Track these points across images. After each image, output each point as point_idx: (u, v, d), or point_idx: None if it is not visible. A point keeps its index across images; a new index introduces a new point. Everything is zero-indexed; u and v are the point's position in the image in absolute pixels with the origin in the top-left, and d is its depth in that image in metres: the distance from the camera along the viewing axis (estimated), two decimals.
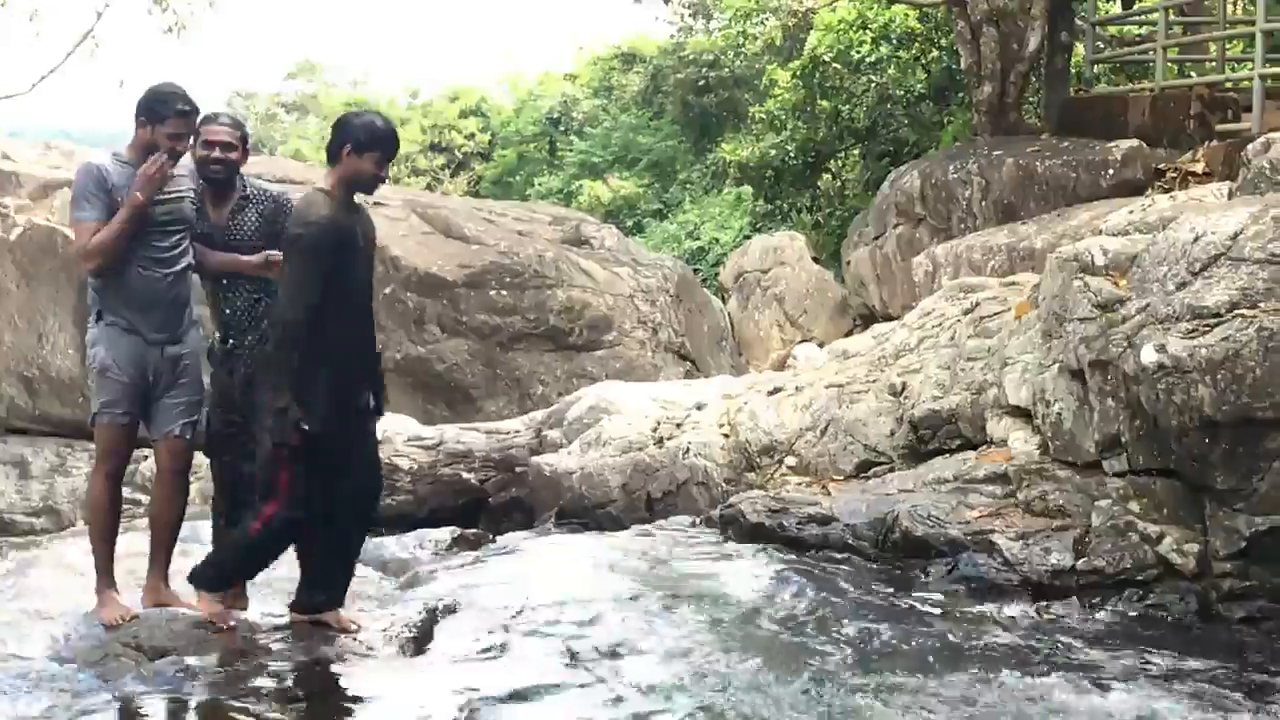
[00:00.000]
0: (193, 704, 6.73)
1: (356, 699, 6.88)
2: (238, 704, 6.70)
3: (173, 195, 7.89)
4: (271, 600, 8.44)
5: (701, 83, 37.51)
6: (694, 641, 7.74)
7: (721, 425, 12.84)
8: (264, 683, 7.02)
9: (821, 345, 19.22)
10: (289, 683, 7.07)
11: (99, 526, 8.12)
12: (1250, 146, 12.39)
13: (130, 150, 7.88)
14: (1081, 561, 8.83)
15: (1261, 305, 8.54)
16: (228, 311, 8.15)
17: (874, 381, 12.07)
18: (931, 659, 7.58)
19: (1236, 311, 8.57)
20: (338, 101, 54.14)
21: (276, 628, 7.92)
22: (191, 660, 7.23)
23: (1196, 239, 9.13)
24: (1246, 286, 8.66)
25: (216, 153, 8.06)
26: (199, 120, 8.01)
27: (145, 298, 7.86)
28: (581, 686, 7.04)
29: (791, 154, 28.44)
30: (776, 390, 13.00)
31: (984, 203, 19.16)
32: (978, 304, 12.19)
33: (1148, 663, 7.62)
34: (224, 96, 55.34)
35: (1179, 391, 8.56)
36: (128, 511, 14.99)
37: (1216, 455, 8.51)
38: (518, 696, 6.88)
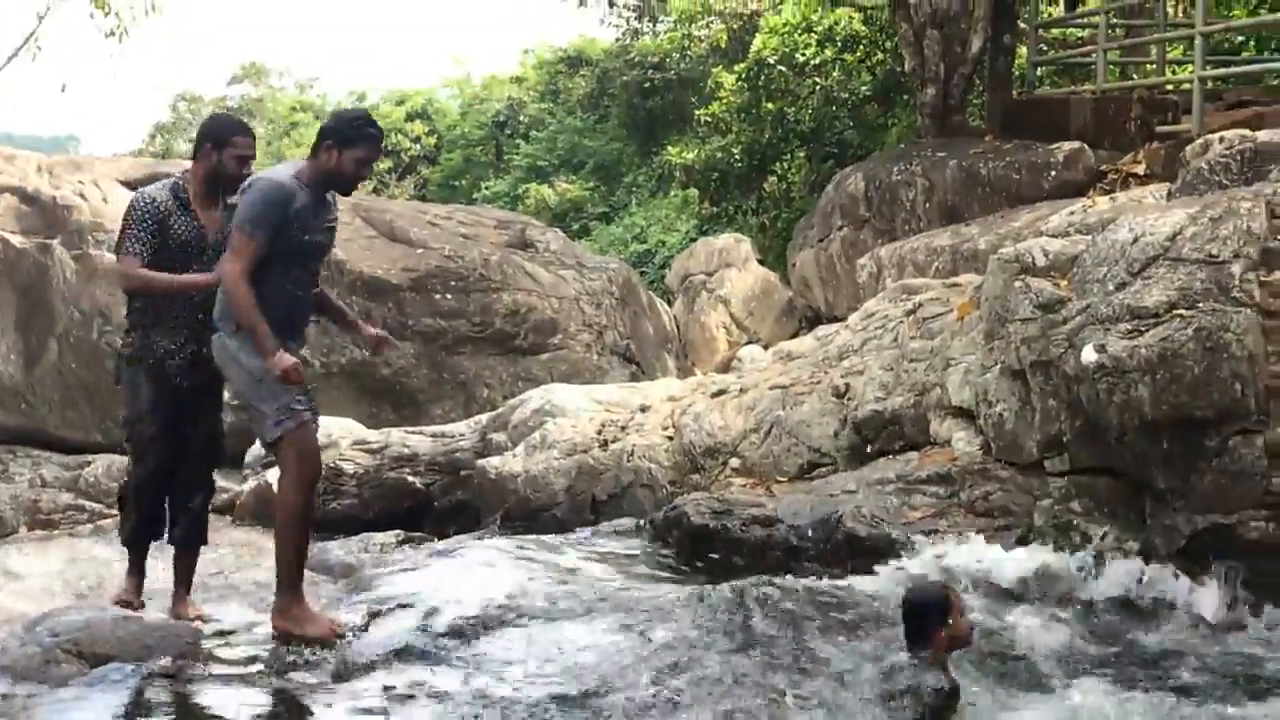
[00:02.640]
0: (133, 709, 6.70)
1: (301, 701, 6.86)
2: (181, 708, 6.67)
3: (329, 224, 7.97)
4: (225, 604, 8.44)
5: (647, 85, 37.53)
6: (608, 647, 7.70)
7: (666, 428, 12.86)
8: (209, 689, 7.00)
9: (767, 347, 19.26)
10: (235, 687, 7.04)
11: (296, 543, 7.84)
12: (1189, 148, 12.52)
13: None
14: None
15: (1200, 305, 8.61)
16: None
17: (818, 383, 12.11)
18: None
19: (1175, 312, 8.63)
20: (284, 105, 54.04)
21: (222, 632, 7.91)
22: (135, 666, 7.19)
23: (1135, 240, 9.20)
24: (1185, 287, 8.73)
25: (249, 168, 8.25)
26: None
27: (292, 314, 7.86)
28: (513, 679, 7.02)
29: (737, 156, 28.49)
30: (720, 392, 13.03)
31: (928, 204, 19.27)
32: (920, 305, 12.24)
33: (1086, 655, 7.68)
34: (168, 101, 55.06)
35: (1119, 391, 8.62)
36: (69, 517, 15.04)
37: (1156, 454, 8.58)
38: (442, 697, 6.87)
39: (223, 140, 8.23)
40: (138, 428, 8.34)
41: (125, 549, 8.79)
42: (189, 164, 8.60)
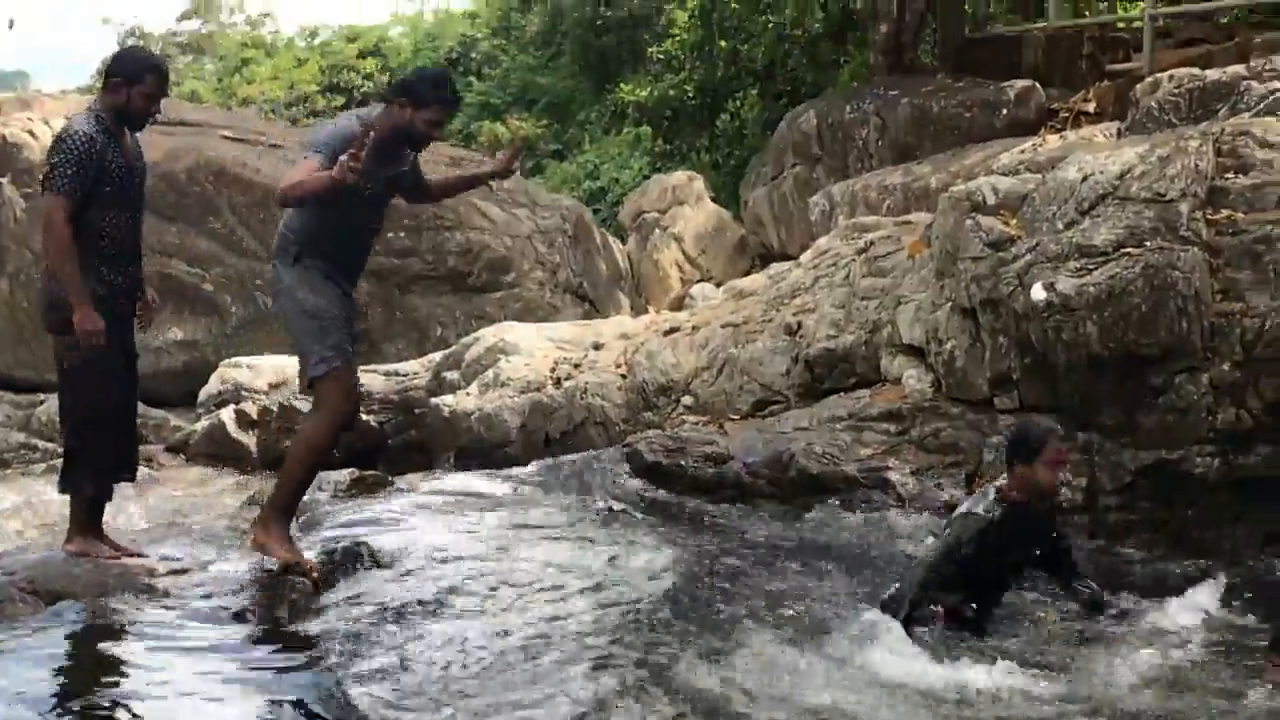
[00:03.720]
0: (90, 646, 6.72)
1: (256, 639, 6.89)
2: (138, 645, 6.70)
3: (391, 176, 8.06)
4: (178, 544, 8.46)
5: (600, 22, 37.34)
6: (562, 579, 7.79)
7: (619, 366, 12.91)
8: (166, 621, 7.02)
9: (719, 285, 19.30)
10: (192, 623, 7.06)
11: (307, 474, 7.96)
12: (1139, 86, 12.60)
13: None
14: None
15: (1147, 244, 8.70)
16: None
17: (769, 321, 12.15)
18: None
19: (1123, 250, 8.72)
20: (234, 41, 53.54)
21: (176, 571, 7.93)
22: (89, 604, 7.21)
23: (1085, 179, 9.27)
24: (1133, 225, 8.81)
25: (157, 108, 8.17)
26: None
27: (347, 258, 8.01)
28: (464, 617, 7.07)
29: (690, 94, 28.41)
30: (673, 330, 13.07)
31: (880, 143, 19.31)
32: (872, 243, 12.29)
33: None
34: (117, 37, 54.47)
35: (1067, 329, 8.71)
36: (22, 456, 15.01)
37: (1103, 392, 8.68)
38: (403, 623, 6.93)
39: (134, 77, 8.05)
40: (98, 365, 8.15)
41: (82, 499, 8.27)
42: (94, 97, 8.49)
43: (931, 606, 7.07)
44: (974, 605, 7.08)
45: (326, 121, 7.79)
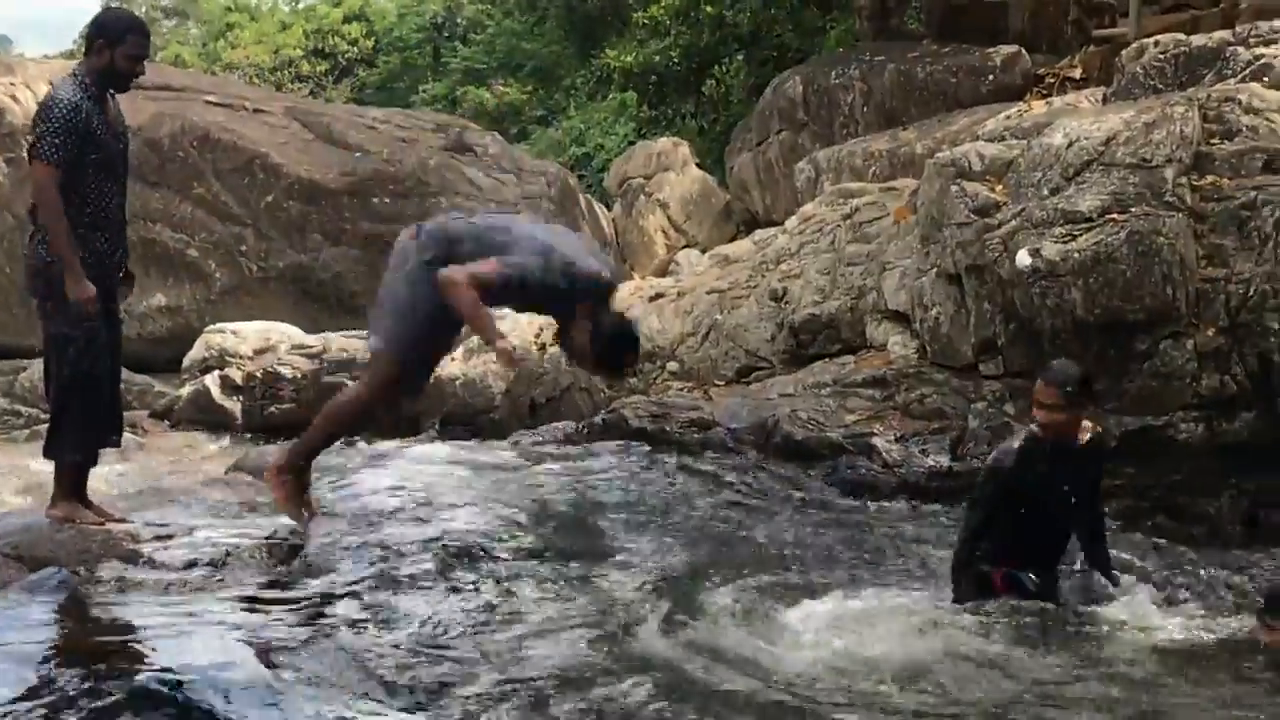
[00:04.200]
0: (73, 612, 6.71)
1: (238, 604, 6.88)
2: (124, 610, 6.69)
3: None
4: (163, 510, 8.44)
5: None
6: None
7: None
8: (150, 586, 7.02)
9: (705, 251, 19.28)
10: (175, 588, 7.06)
11: (337, 430, 8.14)
12: (1125, 52, 12.57)
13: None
14: (959, 463, 8.99)
15: (1133, 209, 8.70)
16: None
17: (755, 287, 12.15)
18: None
19: (1108, 216, 8.73)
20: (218, 6, 53.35)
21: (161, 537, 7.91)
22: (75, 570, 7.19)
23: (1070, 144, 9.27)
24: (1118, 191, 8.82)
25: (141, 69, 8.10)
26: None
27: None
28: (448, 589, 7.08)
29: (675, 59, 28.31)
30: (659, 296, 13.06)
31: (866, 109, 19.27)
32: (857, 209, 12.28)
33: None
34: (101, 2, 54.32)
35: (1052, 295, 8.72)
36: (5, 422, 14.99)
37: (1088, 357, 8.67)
38: (389, 587, 6.94)
39: (116, 39, 8.00)
40: (84, 331, 8.10)
41: (66, 465, 8.18)
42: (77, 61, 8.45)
43: (984, 568, 7.02)
44: (1031, 575, 7.01)
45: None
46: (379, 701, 5.48)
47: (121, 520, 8.22)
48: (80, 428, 8.10)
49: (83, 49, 8.17)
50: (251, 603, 6.89)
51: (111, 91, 8.06)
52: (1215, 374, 8.49)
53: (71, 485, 8.13)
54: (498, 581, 7.18)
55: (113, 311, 8.21)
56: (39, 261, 7.91)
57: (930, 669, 6.12)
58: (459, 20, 44.45)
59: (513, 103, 38.24)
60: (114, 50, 7.92)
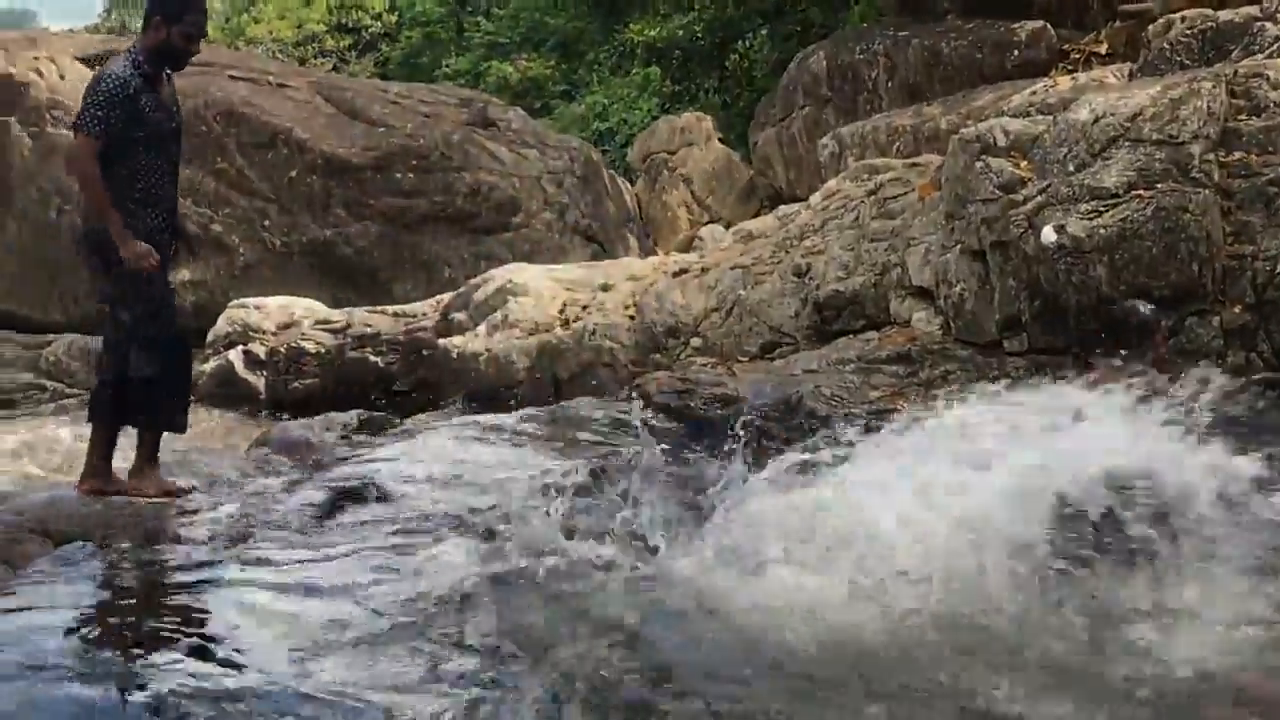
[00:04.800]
0: (97, 587, 6.73)
1: (264, 567, 6.89)
2: (149, 584, 6.71)
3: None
4: (181, 484, 8.45)
5: None
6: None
7: (628, 307, 12.89)
8: (176, 560, 7.03)
9: (728, 226, 19.25)
10: (200, 557, 7.07)
11: None
12: (1152, 27, 12.49)
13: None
14: None
15: (1159, 186, 8.67)
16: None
17: (778, 263, 12.13)
18: None
19: (1134, 192, 8.70)
20: None
21: (184, 512, 7.93)
22: (99, 545, 7.21)
23: (1096, 120, 9.23)
24: (1144, 167, 8.79)
25: (197, 46, 8.19)
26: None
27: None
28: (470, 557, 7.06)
29: (699, 34, 28.29)
30: (682, 272, 13.05)
31: (890, 84, 19.22)
32: (882, 185, 12.25)
33: None
34: None
35: (1077, 271, 8.70)
36: (30, 397, 15.02)
37: (1113, 334, 8.65)
38: (408, 555, 6.93)
39: (174, 15, 8.03)
40: (146, 296, 8.09)
41: (101, 436, 8.32)
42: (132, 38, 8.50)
43: None
44: None
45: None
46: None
47: (169, 494, 8.22)
48: (142, 393, 8.11)
49: (141, 26, 8.19)
50: (268, 581, 6.90)
51: (167, 71, 8.11)
52: (1241, 351, 8.47)
53: (103, 457, 8.19)
54: None
55: (168, 285, 8.27)
56: (91, 236, 7.96)
57: None
58: None
59: (536, 78, 38.15)
60: (171, 28, 7.97)
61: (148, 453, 8.26)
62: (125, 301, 8.00)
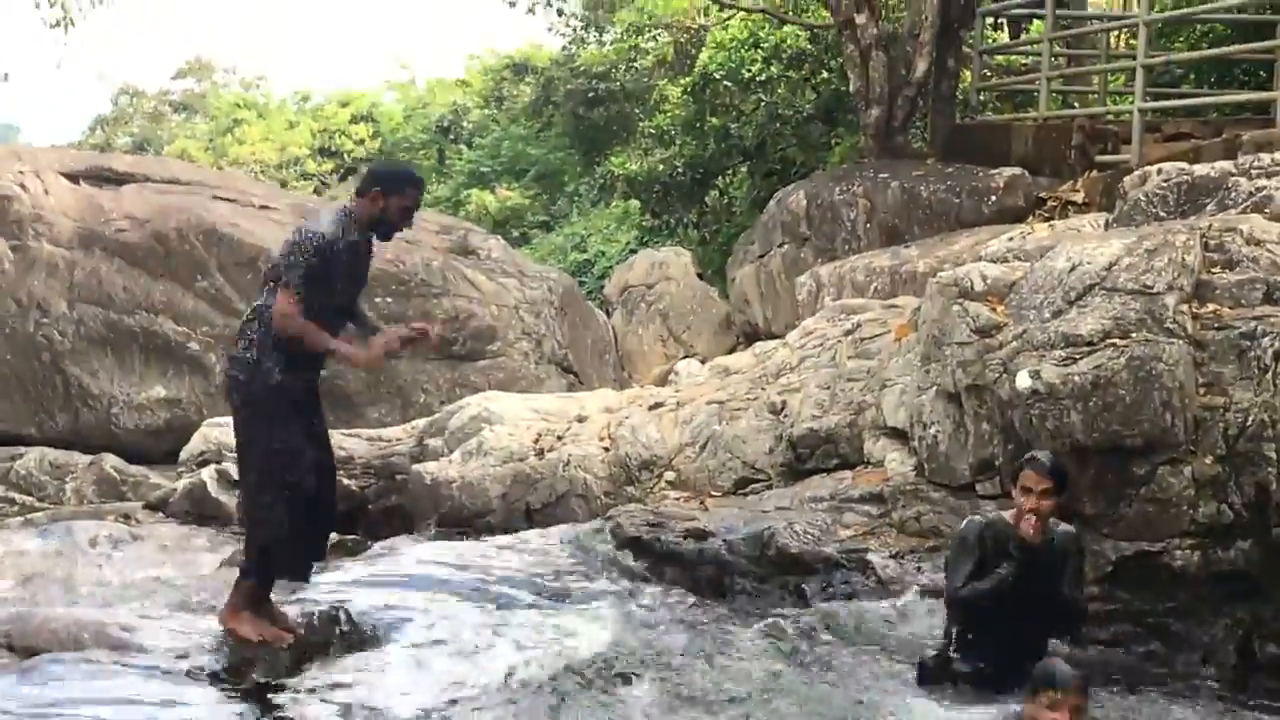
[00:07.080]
0: (63, 700, 6.69)
1: (229, 698, 6.88)
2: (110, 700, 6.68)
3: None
4: (153, 600, 8.44)
5: (592, 95, 37.48)
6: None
7: (602, 438, 12.91)
8: (137, 681, 7.00)
9: (704, 361, 19.31)
10: (161, 680, 7.04)
11: None
12: (1128, 179, 12.65)
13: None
14: None
15: (1133, 335, 8.74)
16: None
17: (754, 399, 12.18)
18: None
19: (1109, 340, 8.76)
20: (227, 102, 53.74)
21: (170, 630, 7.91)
22: (67, 658, 7.19)
23: (1073, 268, 9.33)
24: (1119, 316, 8.86)
25: (410, 221, 8.28)
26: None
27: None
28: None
29: (680, 169, 28.49)
30: (658, 405, 13.09)
31: (869, 225, 19.39)
32: (859, 325, 12.34)
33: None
34: (111, 93, 54.70)
35: (1052, 417, 8.74)
36: (1, 510, 14.95)
37: (1086, 481, 8.69)
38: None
39: (394, 189, 8.05)
40: (284, 458, 7.96)
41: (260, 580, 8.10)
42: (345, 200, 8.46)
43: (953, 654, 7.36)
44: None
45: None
46: None
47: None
48: (268, 542, 7.98)
49: (357, 190, 8.20)
50: (237, 698, 6.88)
51: (373, 236, 8.14)
52: (1213, 502, 8.50)
53: (247, 597, 7.99)
54: None
55: (320, 432, 8.19)
56: (238, 375, 7.90)
57: None
58: (465, 123, 44.80)
59: (516, 207, 38.45)
60: (389, 199, 7.98)
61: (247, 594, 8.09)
62: (267, 447, 7.97)
